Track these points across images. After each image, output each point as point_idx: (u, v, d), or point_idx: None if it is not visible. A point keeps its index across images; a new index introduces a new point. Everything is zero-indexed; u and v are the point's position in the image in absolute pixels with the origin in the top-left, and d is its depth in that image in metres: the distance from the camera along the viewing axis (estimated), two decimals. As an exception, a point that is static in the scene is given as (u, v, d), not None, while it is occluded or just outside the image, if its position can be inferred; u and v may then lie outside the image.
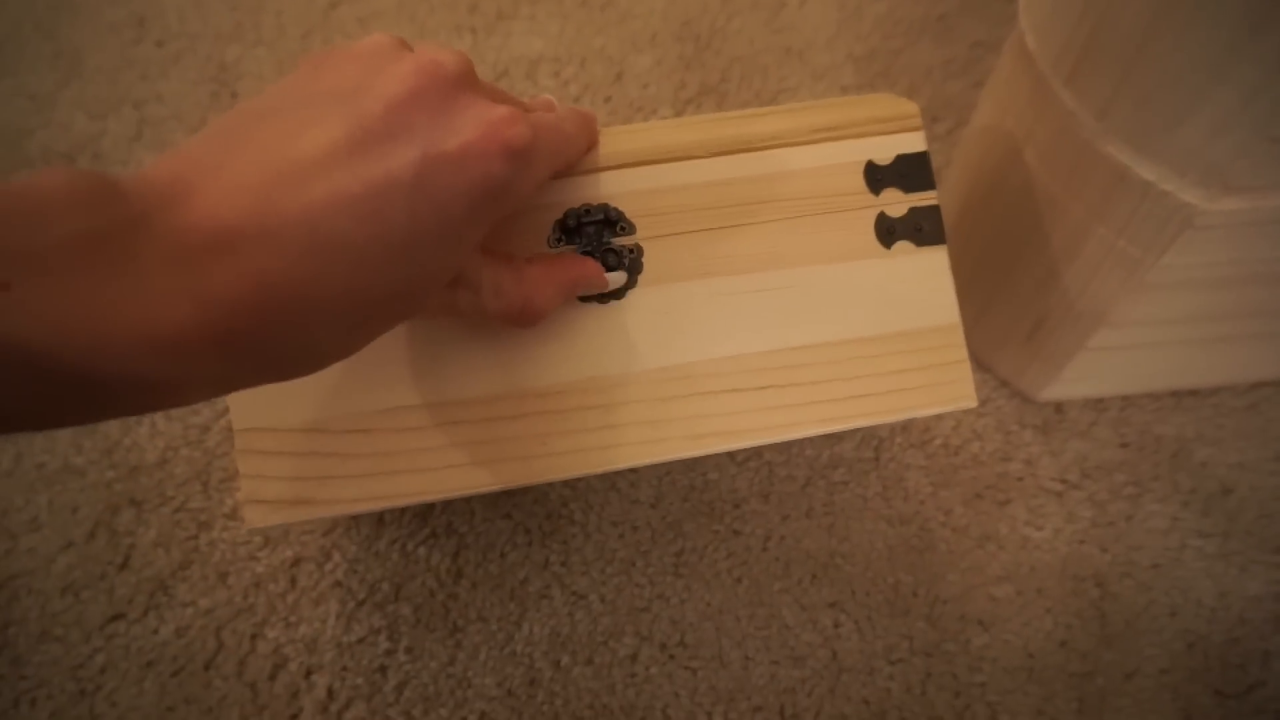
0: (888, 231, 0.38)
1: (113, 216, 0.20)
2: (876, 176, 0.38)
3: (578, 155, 0.35)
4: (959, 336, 0.38)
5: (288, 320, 0.22)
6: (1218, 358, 0.54)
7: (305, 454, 0.34)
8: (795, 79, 0.71)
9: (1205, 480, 0.53)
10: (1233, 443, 0.55)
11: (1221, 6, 0.36)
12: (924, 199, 0.38)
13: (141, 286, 0.20)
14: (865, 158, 0.38)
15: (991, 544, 0.51)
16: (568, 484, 0.53)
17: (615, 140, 0.37)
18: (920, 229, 0.38)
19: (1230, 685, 0.47)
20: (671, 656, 0.48)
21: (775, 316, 0.37)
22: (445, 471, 0.34)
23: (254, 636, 0.48)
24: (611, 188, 0.36)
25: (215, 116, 0.68)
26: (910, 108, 0.39)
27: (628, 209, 0.36)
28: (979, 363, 0.58)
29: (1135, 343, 0.52)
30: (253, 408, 0.34)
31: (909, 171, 0.38)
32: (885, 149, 0.38)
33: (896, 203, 0.38)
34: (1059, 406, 0.56)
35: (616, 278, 0.35)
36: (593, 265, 0.35)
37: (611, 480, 0.54)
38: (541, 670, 0.48)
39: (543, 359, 0.36)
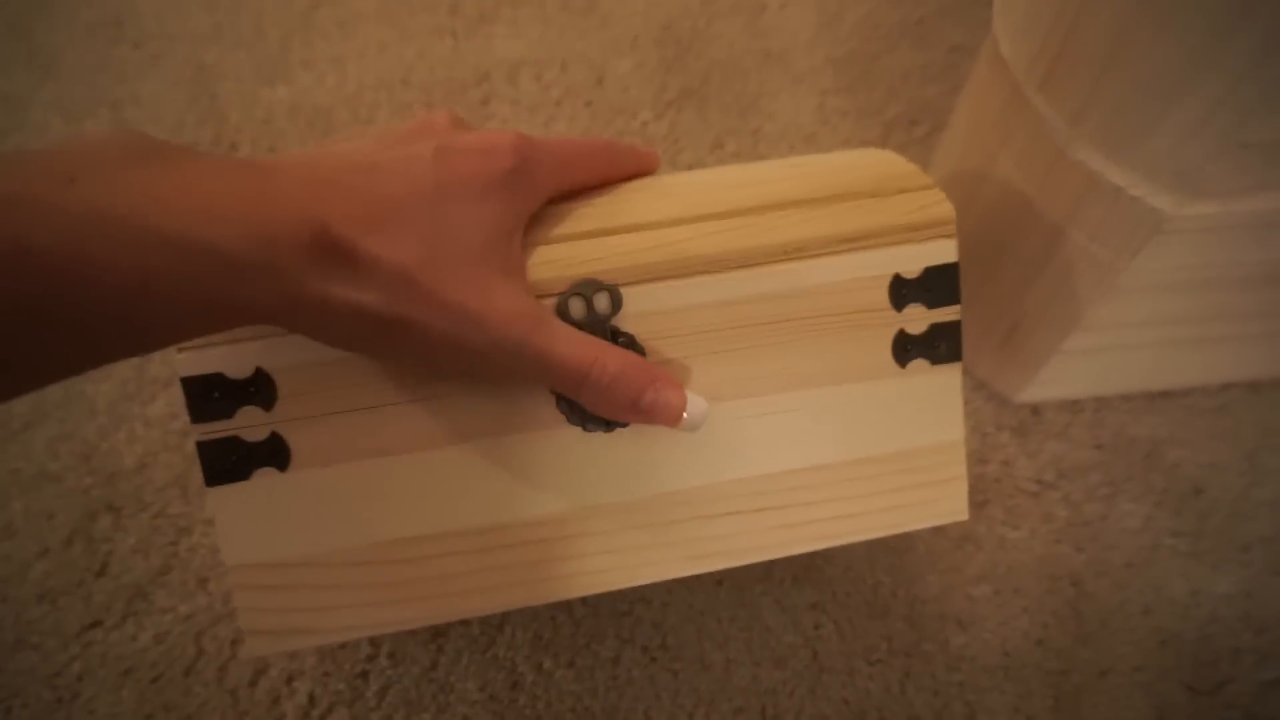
0: (904, 349, 0.36)
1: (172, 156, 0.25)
2: (902, 291, 0.36)
3: (596, 171, 0.36)
4: (960, 453, 0.37)
5: (349, 247, 0.26)
6: (1189, 360, 0.55)
7: (303, 587, 0.34)
8: (775, 82, 0.72)
9: (1177, 480, 0.54)
10: (1204, 443, 0.56)
11: (1189, 15, 0.37)
12: (947, 314, 0.36)
13: (203, 182, 0.24)
14: (893, 270, 0.35)
15: (969, 545, 0.51)
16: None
17: (622, 249, 0.34)
18: (937, 347, 0.36)
19: (1202, 682, 0.48)
20: (653, 659, 0.48)
21: (781, 439, 0.36)
22: (445, 599, 0.34)
23: (234, 642, 0.48)
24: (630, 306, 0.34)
25: (192, 118, 0.67)
26: (946, 211, 0.36)
27: (637, 330, 0.34)
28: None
29: (1108, 345, 0.52)
30: (246, 542, 0.33)
31: (936, 285, 0.36)
32: (914, 260, 0.35)
33: (918, 319, 0.36)
34: (1035, 408, 0.57)
35: (697, 406, 0.32)
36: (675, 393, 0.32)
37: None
38: (524, 674, 0.48)
39: (541, 487, 0.35)
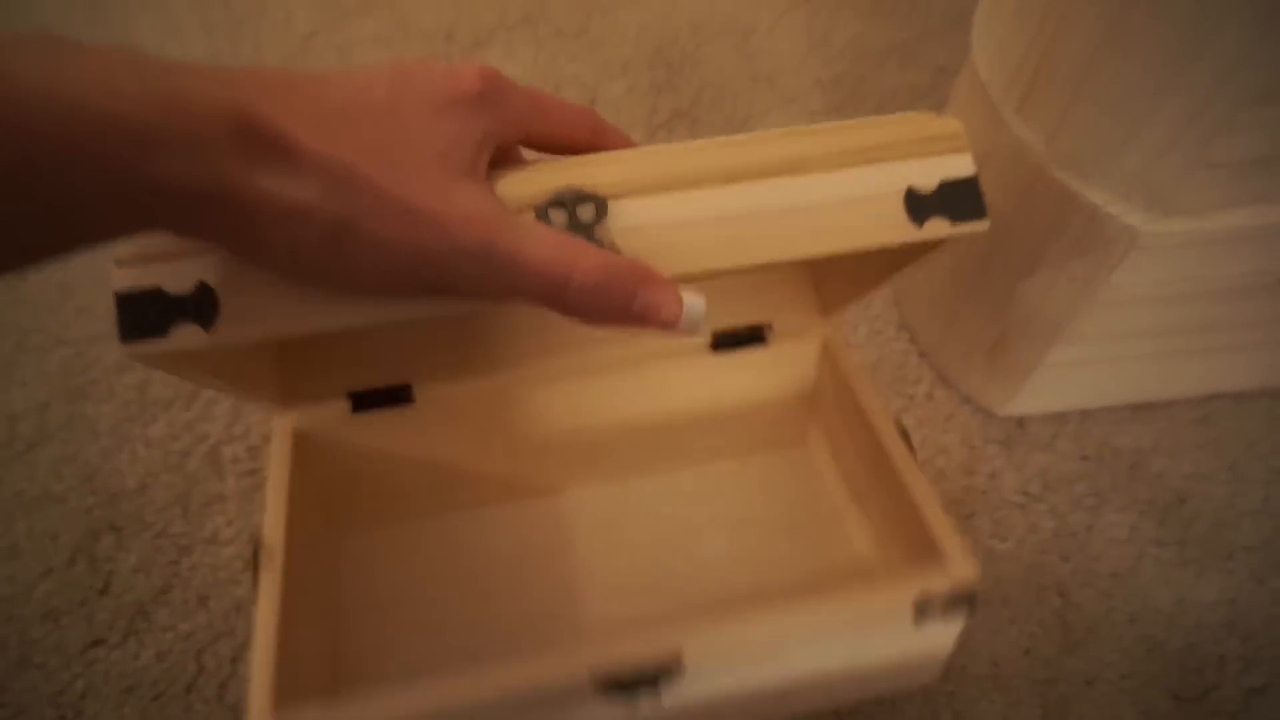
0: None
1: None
2: (919, 206, 0.32)
3: (574, 131, 0.32)
4: None
5: (277, 134, 0.24)
6: (1171, 371, 0.56)
7: None
8: (764, 103, 0.73)
9: (1161, 491, 0.55)
10: (1187, 454, 0.57)
11: (1154, 39, 0.38)
12: (975, 229, 0.33)
13: (111, 65, 0.23)
14: (905, 184, 0.32)
15: (956, 556, 0.52)
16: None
17: (609, 162, 0.32)
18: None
19: (1187, 689, 0.49)
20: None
21: None
22: None
23: (234, 660, 0.49)
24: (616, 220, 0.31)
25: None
26: (954, 125, 0.33)
27: (625, 246, 0.31)
28: (945, 379, 0.60)
29: (1091, 358, 0.53)
30: None
31: (955, 200, 0.32)
32: (928, 174, 0.32)
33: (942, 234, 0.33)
34: (1021, 421, 0.58)
35: (694, 306, 0.29)
36: (667, 291, 0.28)
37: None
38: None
39: None
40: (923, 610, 0.36)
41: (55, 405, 0.57)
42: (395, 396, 0.43)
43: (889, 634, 0.37)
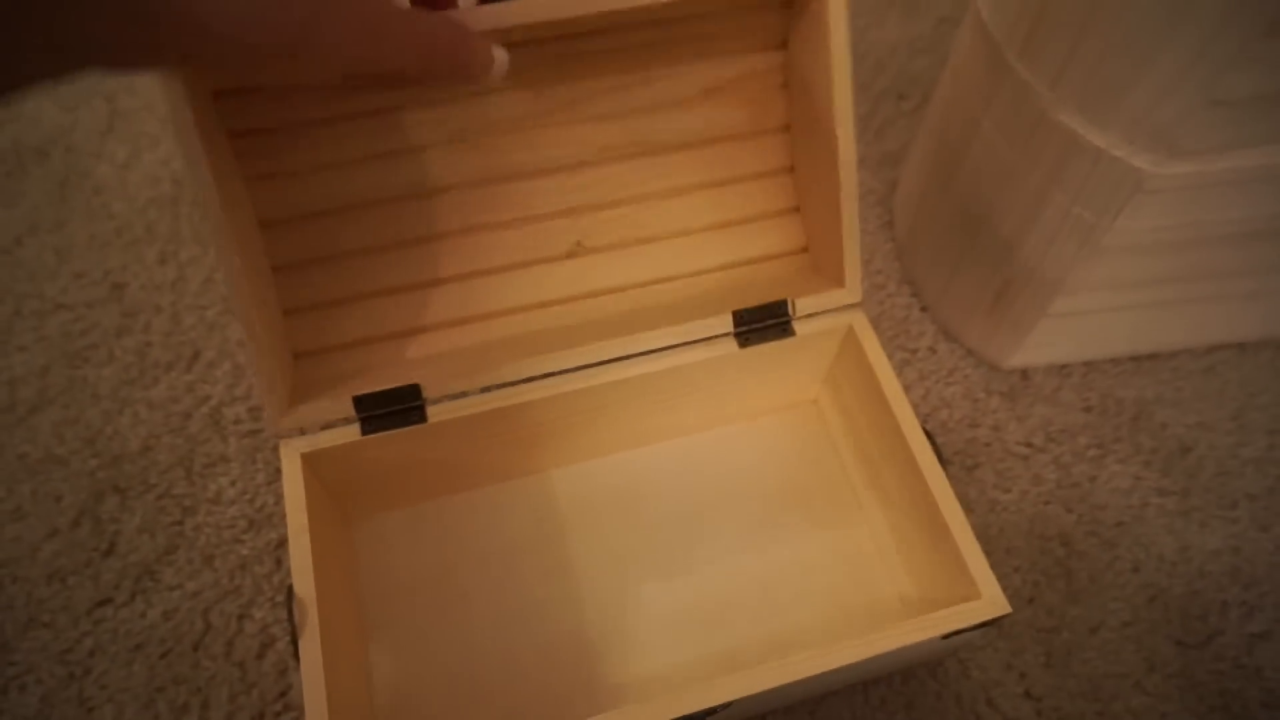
0: None
1: None
2: None
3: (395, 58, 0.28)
4: None
5: None
6: (1174, 321, 0.56)
7: None
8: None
9: (1165, 440, 0.55)
10: (1191, 403, 0.56)
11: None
12: None
13: None
14: None
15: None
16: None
17: None
18: None
19: (1190, 636, 0.49)
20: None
21: None
22: None
23: (241, 617, 0.49)
24: None
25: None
26: None
27: None
28: (947, 333, 0.59)
29: (1094, 308, 0.53)
30: None
31: None
32: None
33: None
34: (1024, 373, 0.58)
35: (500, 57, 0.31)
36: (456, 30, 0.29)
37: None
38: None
39: None
40: (952, 636, 0.38)
41: (55, 369, 0.56)
42: (405, 416, 0.42)
43: (917, 647, 0.39)
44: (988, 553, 0.51)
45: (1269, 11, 0.36)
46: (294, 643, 0.36)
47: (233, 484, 0.53)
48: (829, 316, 0.46)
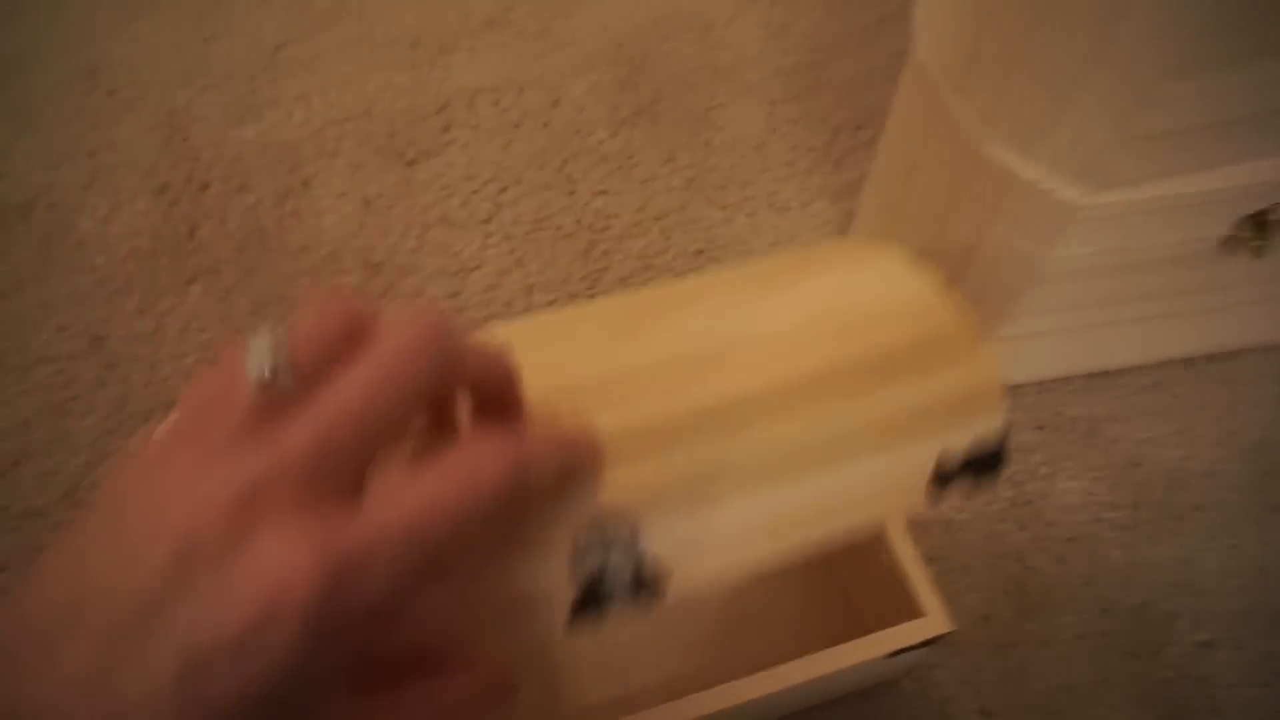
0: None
1: None
2: (945, 477, 0.31)
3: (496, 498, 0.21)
4: None
5: None
6: (1121, 341, 0.58)
7: None
8: (725, 95, 0.74)
9: (1115, 456, 0.57)
10: (1140, 419, 0.58)
11: (1078, 16, 0.40)
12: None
13: None
14: (935, 459, 0.31)
15: (918, 528, 0.54)
16: None
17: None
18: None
19: (1140, 646, 0.50)
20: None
21: None
22: None
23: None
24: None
25: (166, 161, 0.70)
26: (990, 370, 0.32)
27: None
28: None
29: (1041, 331, 0.55)
30: None
31: (981, 464, 0.31)
32: (959, 441, 0.31)
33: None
34: (979, 394, 0.60)
35: None
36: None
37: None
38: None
39: None
40: (897, 654, 0.39)
41: (37, 422, 0.58)
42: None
43: (863, 668, 0.40)
44: (944, 572, 0.53)
45: (1172, 55, 0.38)
46: None
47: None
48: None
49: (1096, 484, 0.56)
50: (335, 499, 0.19)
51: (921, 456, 0.31)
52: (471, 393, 0.24)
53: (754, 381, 0.30)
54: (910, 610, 0.41)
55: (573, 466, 0.24)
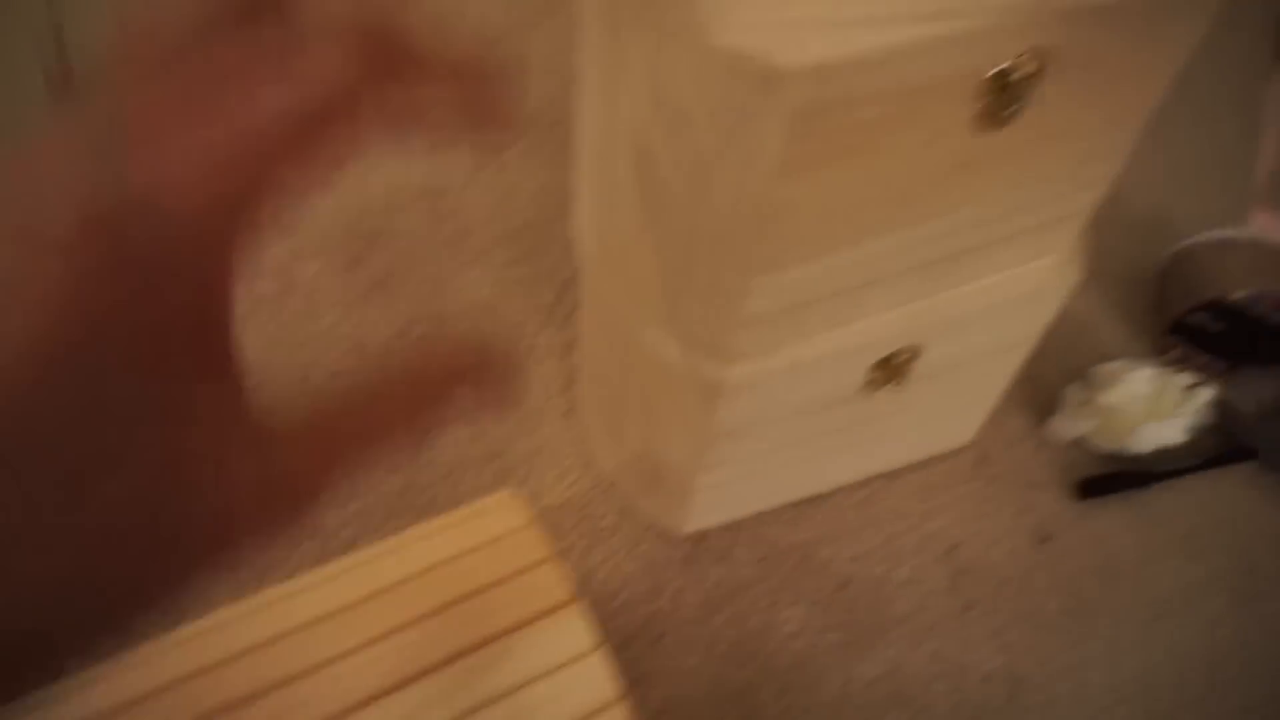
0: None
1: None
2: None
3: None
4: None
5: None
6: (820, 468, 0.63)
7: None
8: (457, 263, 0.77)
9: (827, 578, 0.61)
10: (849, 538, 0.63)
11: (667, 236, 0.45)
12: None
13: None
14: None
15: (643, 684, 0.56)
16: None
17: None
18: None
19: (855, 767, 0.54)
20: None
21: None
22: None
23: None
24: None
25: None
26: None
27: None
28: (628, 509, 0.64)
29: (739, 476, 0.59)
30: None
31: None
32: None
33: None
34: (701, 536, 0.63)
35: None
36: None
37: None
38: None
39: None
40: None
41: None
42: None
43: None
44: (671, 724, 0.55)
45: (754, 258, 0.43)
46: None
47: None
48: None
49: (812, 609, 0.60)
50: None
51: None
52: None
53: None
54: None
55: None
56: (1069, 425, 0.67)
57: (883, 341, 0.52)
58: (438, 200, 0.82)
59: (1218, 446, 0.68)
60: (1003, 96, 0.40)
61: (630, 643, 0.57)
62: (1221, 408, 0.68)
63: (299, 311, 0.74)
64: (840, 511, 0.64)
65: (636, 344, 0.52)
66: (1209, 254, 0.70)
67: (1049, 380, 0.71)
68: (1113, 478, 0.66)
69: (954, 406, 0.64)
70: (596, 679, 0.42)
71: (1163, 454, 0.66)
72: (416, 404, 0.22)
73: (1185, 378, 0.67)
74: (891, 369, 0.54)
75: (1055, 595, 0.63)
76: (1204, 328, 0.69)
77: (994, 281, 0.53)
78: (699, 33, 0.35)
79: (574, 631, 0.43)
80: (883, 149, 0.40)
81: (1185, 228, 0.80)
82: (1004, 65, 0.39)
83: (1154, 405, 0.64)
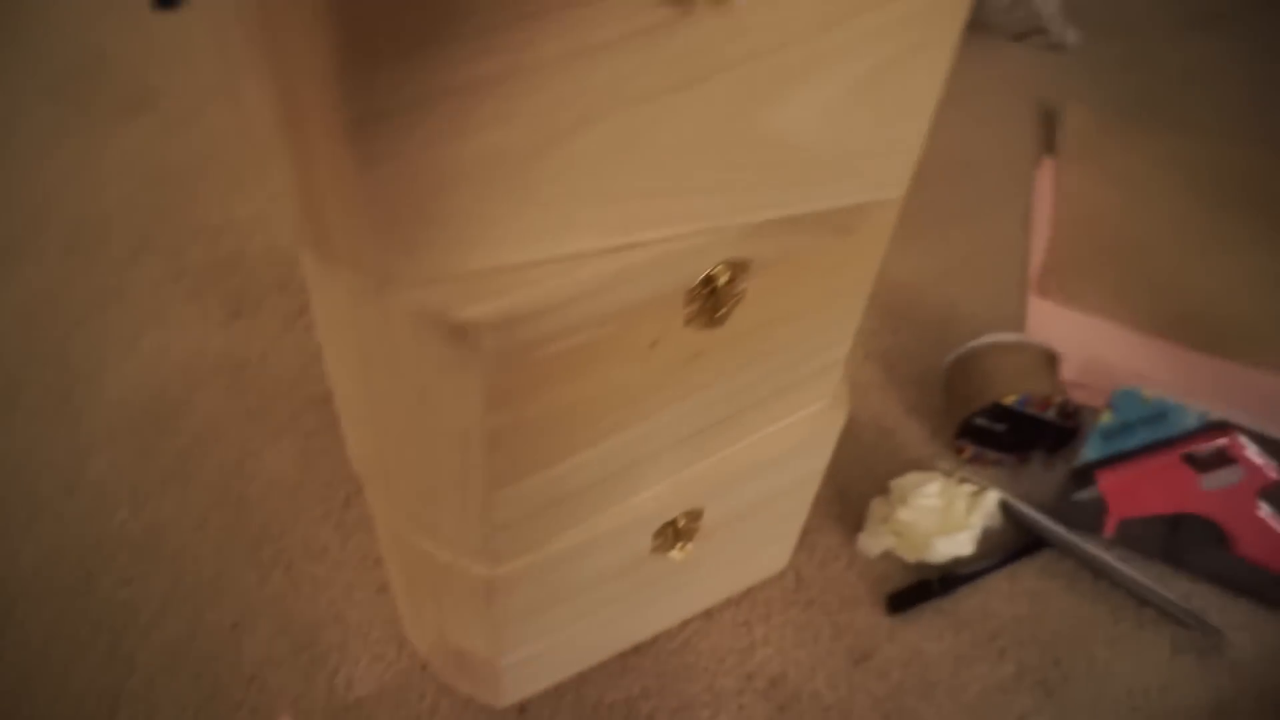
0: None
1: None
2: None
3: None
4: None
5: None
6: (627, 626, 0.63)
7: None
8: (258, 440, 0.75)
9: (649, 737, 0.61)
10: (672, 689, 0.63)
11: (421, 458, 0.44)
12: None
13: None
14: None
15: None
16: None
17: None
18: None
19: None
20: None
21: None
22: None
23: None
24: None
25: None
26: None
27: None
28: (447, 687, 0.63)
29: (549, 648, 0.58)
30: None
31: None
32: None
33: None
34: (522, 707, 0.62)
35: None
36: None
37: None
38: None
39: None
40: None
41: None
42: None
43: None
44: None
45: (485, 478, 0.43)
46: None
47: None
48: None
49: (634, 774, 0.59)
50: None
51: None
52: None
53: None
54: None
55: None
56: (875, 541, 0.70)
57: (656, 514, 0.53)
58: (239, 371, 0.80)
59: (1013, 543, 0.72)
60: (712, 300, 0.42)
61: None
62: (1006, 507, 0.72)
63: (86, 511, 0.70)
64: (662, 659, 0.64)
65: (412, 548, 0.51)
66: (982, 359, 0.75)
67: (857, 492, 0.74)
68: (917, 589, 0.69)
69: (759, 543, 0.65)
70: None
71: (963, 558, 0.69)
72: None
73: (969, 486, 0.70)
74: (677, 532, 0.55)
75: (876, 716, 0.64)
76: (988, 428, 0.73)
77: (761, 437, 0.55)
78: (383, 289, 0.36)
79: None
80: (599, 364, 0.41)
81: (973, 324, 0.86)
82: (704, 274, 0.41)
83: (944, 517, 0.67)
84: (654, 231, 0.38)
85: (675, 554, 0.56)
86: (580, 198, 0.35)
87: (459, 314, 0.35)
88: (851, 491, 0.74)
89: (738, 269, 0.41)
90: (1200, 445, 0.68)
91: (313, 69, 0.29)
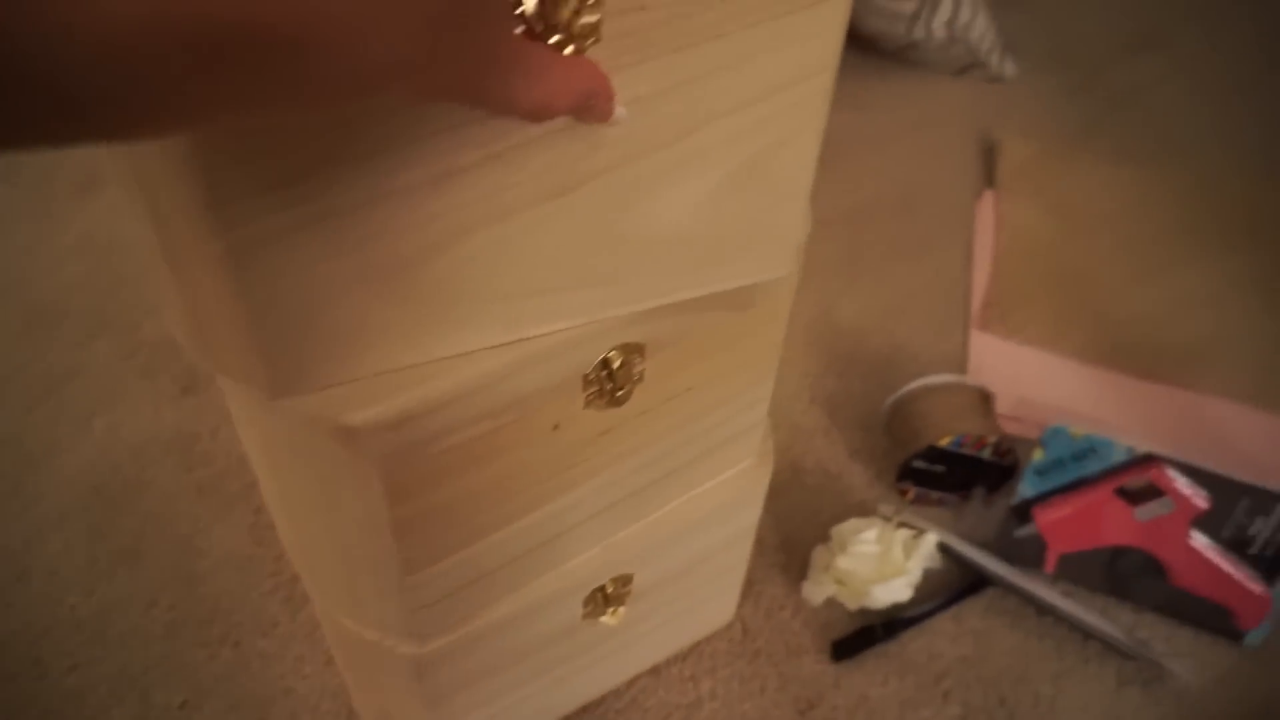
0: None
1: None
2: None
3: None
4: None
5: None
6: (570, 689, 0.63)
7: None
8: (210, 515, 0.76)
9: (595, 802, 0.61)
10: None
11: (326, 552, 0.45)
12: None
13: None
14: None
15: None
16: None
17: None
18: None
19: None
20: None
21: None
22: None
23: None
24: None
25: None
26: None
27: None
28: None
29: (502, 710, 0.59)
30: None
31: None
32: None
33: None
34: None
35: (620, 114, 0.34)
36: (605, 83, 0.32)
37: None
38: None
39: None
40: None
41: None
42: None
43: None
44: None
45: (397, 564, 0.44)
46: None
47: None
48: None
49: (581, 839, 0.59)
50: None
51: None
52: None
53: None
54: None
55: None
56: (818, 590, 0.71)
57: (583, 582, 0.53)
58: (190, 446, 0.81)
59: (957, 583, 0.73)
60: (610, 382, 0.43)
61: None
62: (945, 549, 0.73)
63: (37, 597, 0.70)
64: (608, 718, 0.65)
65: (343, 628, 0.52)
66: (918, 402, 0.76)
67: (801, 539, 0.75)
68: (861, 635, 0.69)
69: (700, 599, 0.65)
70: None
71: (902, 603, 0.70)
72: None
73: (906, 531, 0.71)
74: (606, 597, 0.56)
75: (824, 766, 0.64)
76: (928, 470, 0.75)
77: (686, 500, 0.56)
78: (276, 393, 0.37)
79: None
80: (502, 450, 0.42)
81: (917, 363, 0.87)
82: (599, 359, 0.42)
83: (882, 562, 0.68)
84: (543, 327, 0.39)
85: (607, 619, 0.57)
86: (464, 301, 0.37)
87: (349, 419, 0.36)
88: (797, 539, 0.75)
89: (632, 351, 0.43)
90: (1131, 478, 0.70)
91: (182, 207, 0.30)
